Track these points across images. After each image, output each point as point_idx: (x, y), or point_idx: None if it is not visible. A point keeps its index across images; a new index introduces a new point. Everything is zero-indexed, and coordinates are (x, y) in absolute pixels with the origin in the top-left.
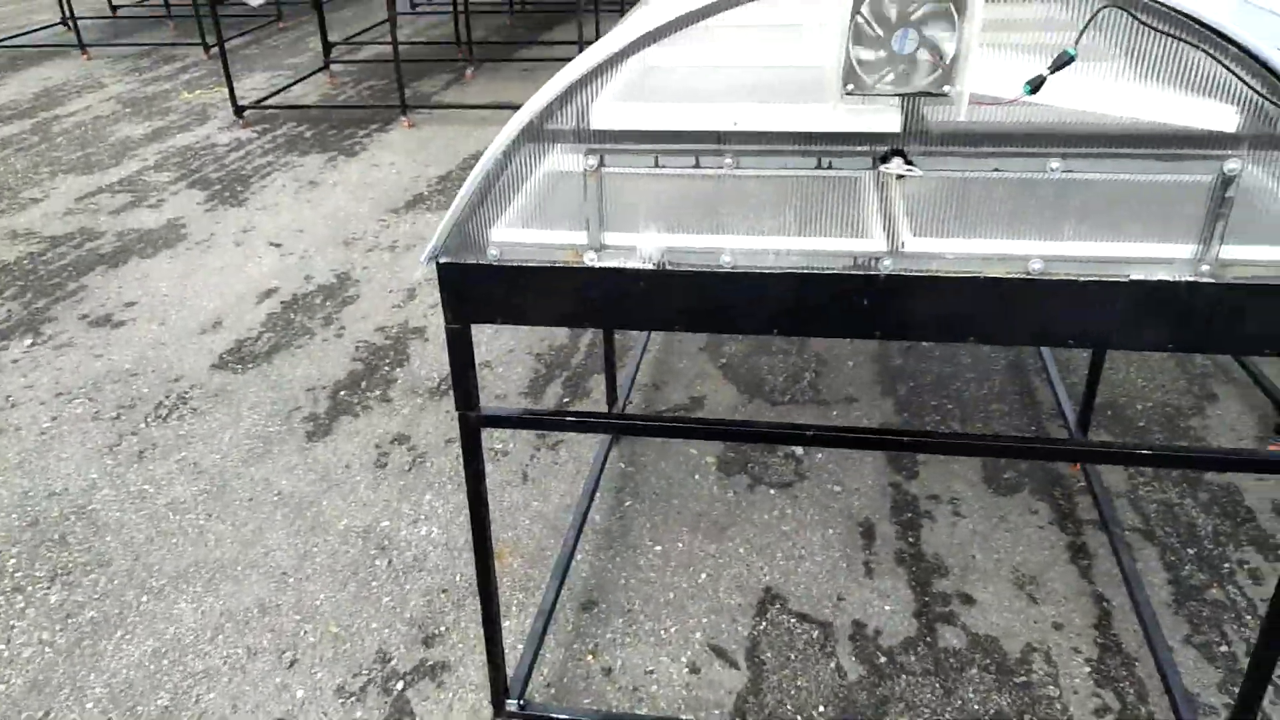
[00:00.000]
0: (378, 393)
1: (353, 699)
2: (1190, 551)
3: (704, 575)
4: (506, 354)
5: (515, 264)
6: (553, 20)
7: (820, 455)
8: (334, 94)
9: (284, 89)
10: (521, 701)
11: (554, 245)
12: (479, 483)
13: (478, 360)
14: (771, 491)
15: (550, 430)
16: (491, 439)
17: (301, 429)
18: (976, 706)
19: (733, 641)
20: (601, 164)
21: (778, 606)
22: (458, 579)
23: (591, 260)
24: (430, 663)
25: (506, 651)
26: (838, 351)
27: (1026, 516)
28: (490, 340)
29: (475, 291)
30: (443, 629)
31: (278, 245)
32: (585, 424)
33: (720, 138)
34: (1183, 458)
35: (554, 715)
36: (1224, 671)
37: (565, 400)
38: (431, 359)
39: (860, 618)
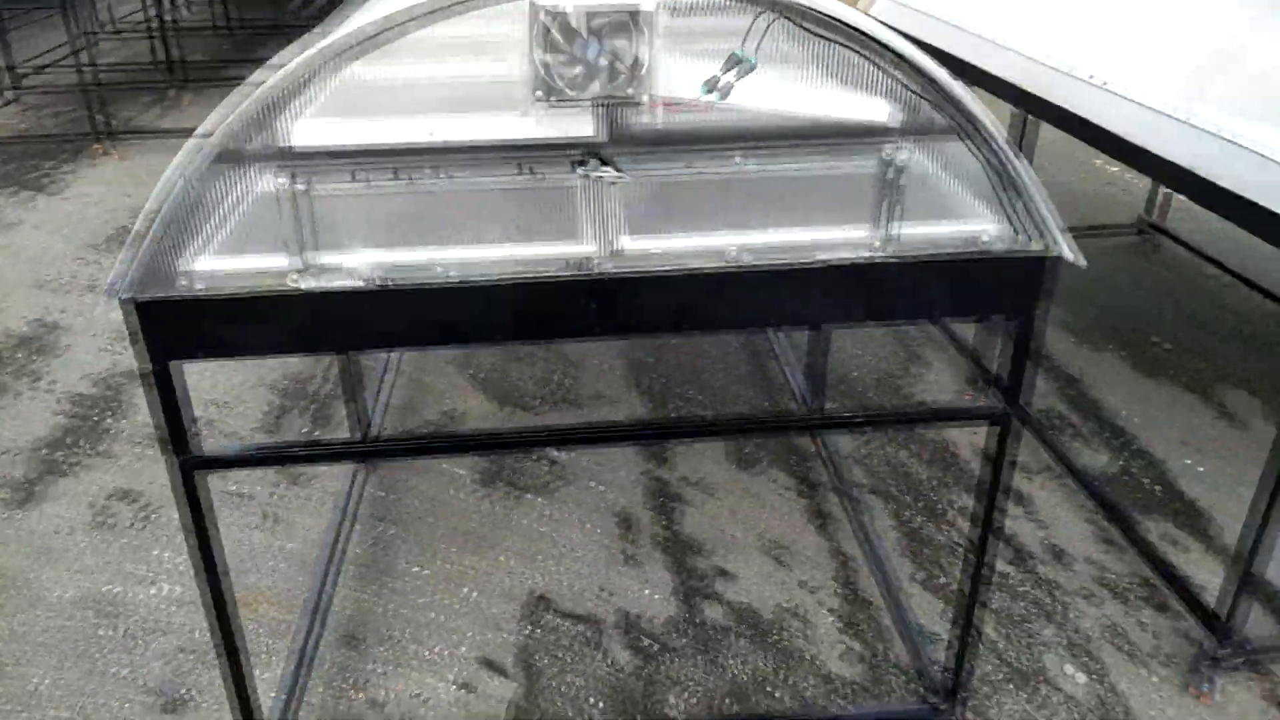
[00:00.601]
0: (93, 447)
1: None
2: (911, 499)
3: (470, 591)
4: (237, 387)
5: (215, 295)
6: (265, 39)
7: (577, 456)
8: (22, 124)
9: None
10: None
11: (258, 271)
12: (205, 533)
13: (205, 399)
14: (530, 497)
15: (279, 465)
16: (230, 482)
17: (4, 497)
18: (737, 672)
19: (503, 652)
20: (296, 182)
21: (545, 609)
22: (204, 636)
23: (298, 284)
24: None
25: (265, 703)
26: (589, 353)
27: (770, 487)
28: (218, 374)
29: (172, 327)
30: (192, 692)
31: None
32: (318, 455)
33: (419, 151)
34: (903, 418)
35: None
36: (944, 602)
37: (306, 432)
38: None
39: (626, 606)
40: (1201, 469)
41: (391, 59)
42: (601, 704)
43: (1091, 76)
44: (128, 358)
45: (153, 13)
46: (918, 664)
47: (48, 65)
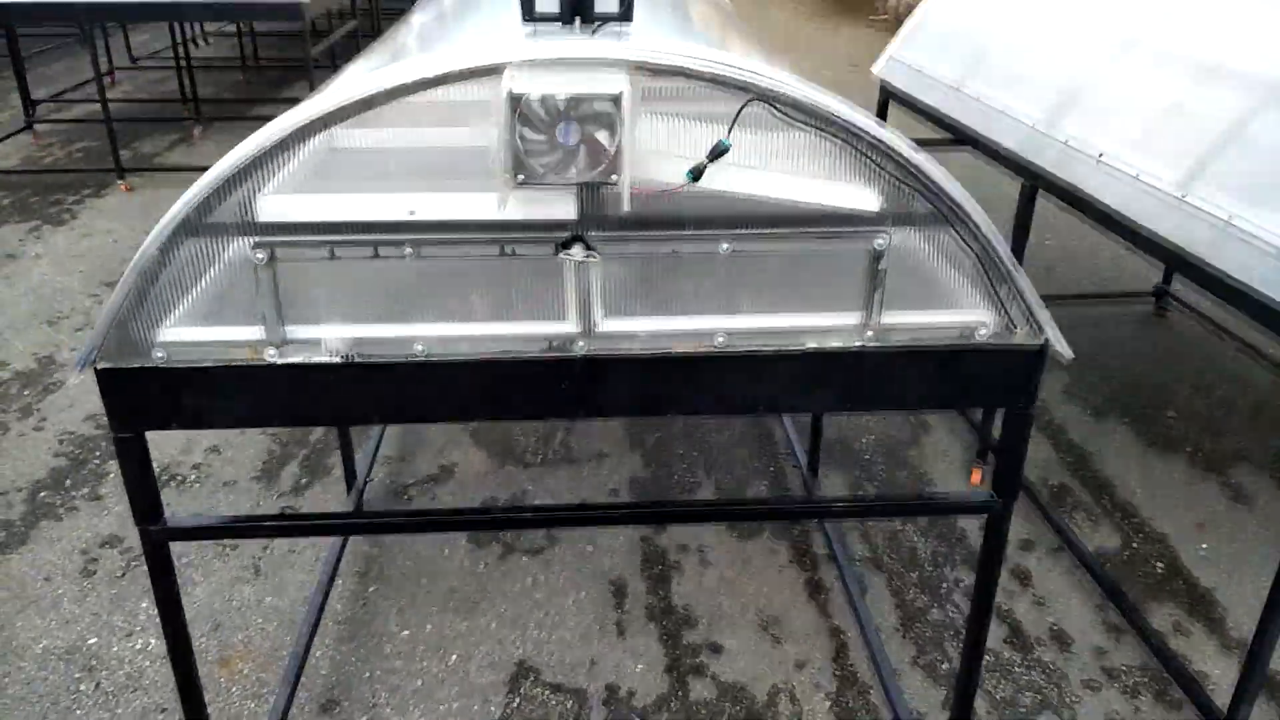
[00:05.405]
0: (86, 490)
1: None
2: (913, 576)
3: (454, 656)
4: (237, 434)
5: (186, 365)
6: (290, 77)
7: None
8: (39, 156)
9: None
10: None
11: (229, 343)
12: (172, 604)
13: (203, 445)
14: (524, 559)
15: (254, 538)
16: None
17: None
18: None
19: None
20: (268, 254)
21: (531, 680)
22: None
23: (272, 357)
24: None
25: None
26: None
27: (768, 558)
28: None
29: (143, 397)
30: None
31: None
32: (293, 528)
33: (399, 227)
34: (897, 507)
35: None
36: (946, 689)
37: (303, 481)
38: (153, 445)
39: (613, 680)
40: (1206, 547)
41: (365, 130)
42: None
43: (1101, 156)
44: None
45: (173, 47)
46: None
47: (66, 96)
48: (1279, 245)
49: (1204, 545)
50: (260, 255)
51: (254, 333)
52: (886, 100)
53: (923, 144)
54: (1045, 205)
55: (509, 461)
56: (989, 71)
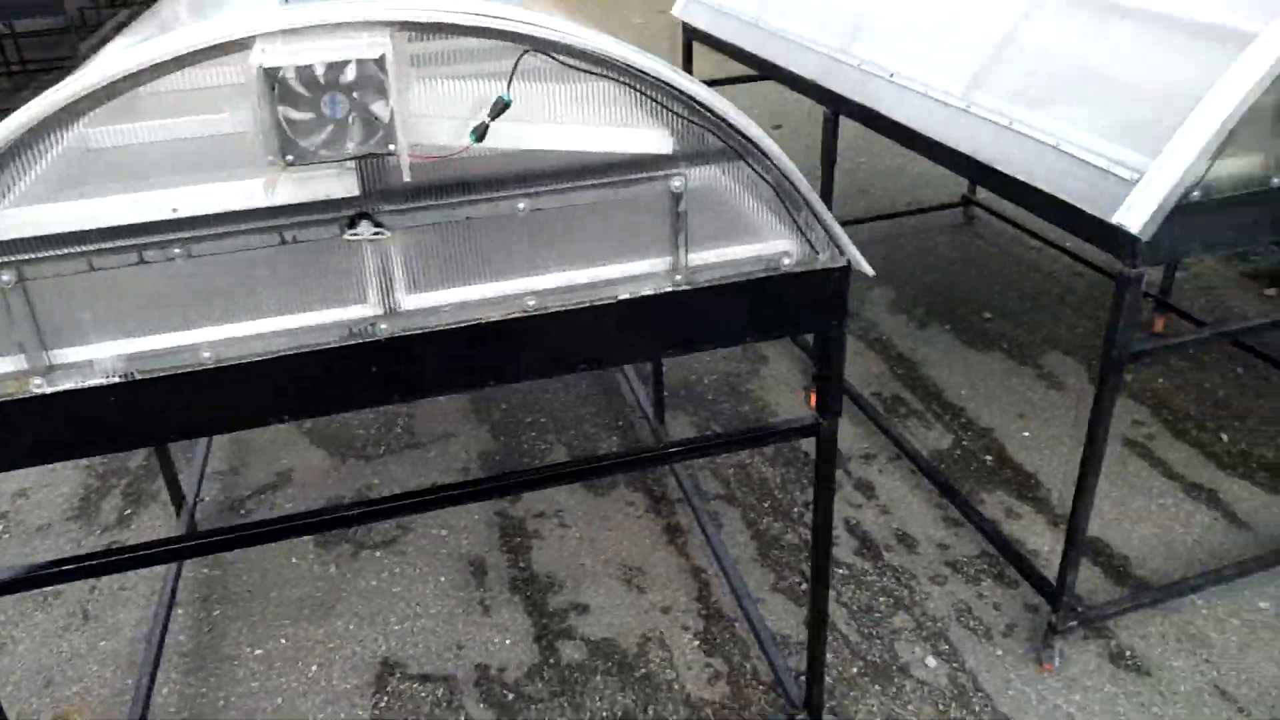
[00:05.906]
0: None
1: None
2: (765, 505)
3: (314, 666)
4: (47, 473)
5: None
6: (58, 79)
7: None
8: None
9: None
10: None
11: None
12: None
13: (8, 489)
14: (377, 554)
15: (60, 584)
16: None
17: None
18: (605, 713)
19: None
20: (22, 277)
21: (397, 675)
22: None
23: (39, 387)
24: None
25: None
26: None
27: (626, 509)
28: None
29: None
30: None
31: None
32: (108, 564)
33: (165, 227)
34: (731, 442)
35: None
36: (799, 605)
37: (127, 512)
38: None
39: (483, 660)
40: (1028, 434)
41: (119, 126)
42: None
43: (893, 75)
44: None
45: None
46: (776, 675)
47: None
48: (1053, 143)
49: (1026, 432)
50: (6, 277)
51: (14, 363)
52: (690, 40)
53: (727, 80)
54: (857, 129)
55: (350, 456)
56: (786, 3)
